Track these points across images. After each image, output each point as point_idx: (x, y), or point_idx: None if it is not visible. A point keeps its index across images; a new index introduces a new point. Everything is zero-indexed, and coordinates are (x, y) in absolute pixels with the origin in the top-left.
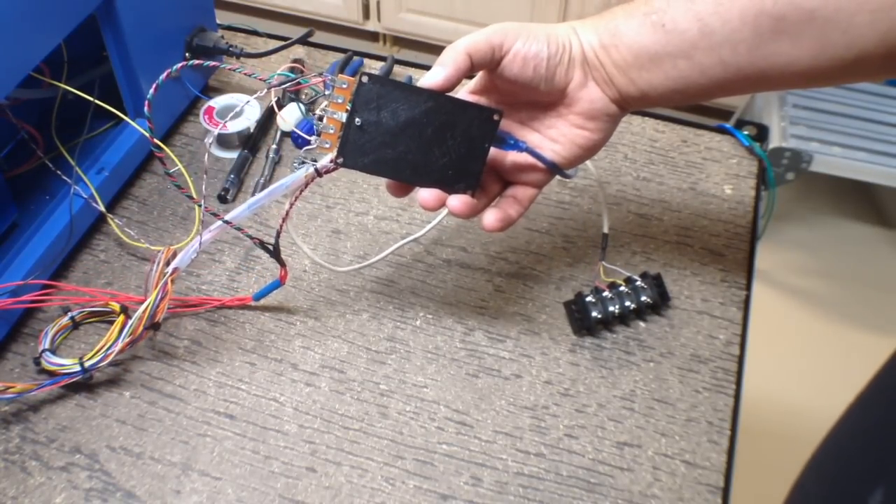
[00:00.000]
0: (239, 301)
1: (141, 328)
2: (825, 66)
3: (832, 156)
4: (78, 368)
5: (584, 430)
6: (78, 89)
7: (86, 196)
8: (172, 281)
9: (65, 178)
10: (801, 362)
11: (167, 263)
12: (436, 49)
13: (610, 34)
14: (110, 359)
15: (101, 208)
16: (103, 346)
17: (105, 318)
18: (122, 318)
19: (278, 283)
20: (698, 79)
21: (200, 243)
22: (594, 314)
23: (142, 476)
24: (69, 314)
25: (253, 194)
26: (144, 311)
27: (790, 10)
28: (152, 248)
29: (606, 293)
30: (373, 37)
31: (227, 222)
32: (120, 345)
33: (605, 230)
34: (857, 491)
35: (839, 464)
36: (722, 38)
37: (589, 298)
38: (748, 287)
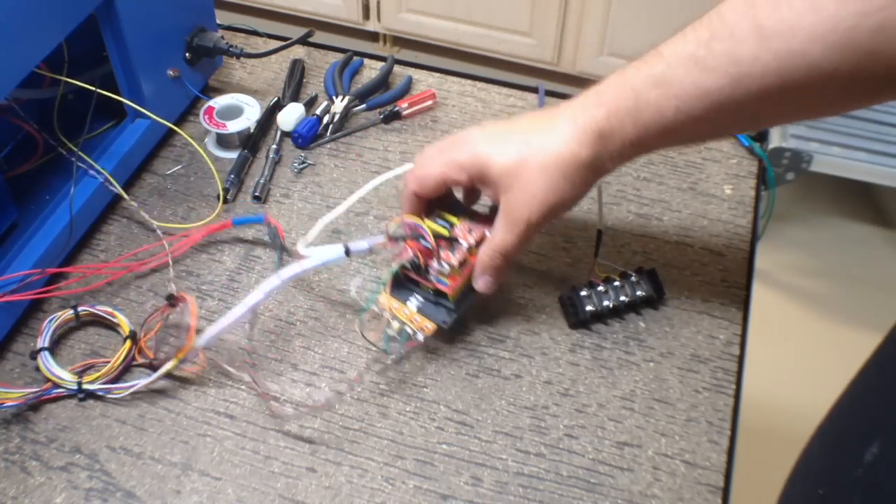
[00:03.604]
0: (219, 227)
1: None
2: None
3: (832, 156)
4: (74, 387)
5: (584, 430)
6: (77, 89)
7: (98, 183)
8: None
9: (73, 171)
10: (801, 362)
11: (175, 325)
12: (436, 49)
13: (633, 146)
14: (109, 387)
15: (119, 191)
16: (106, 372)
17: (107, 322)
18: (128, 343)
19: (262, 218)
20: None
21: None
22: (588, 307)
23: (142, 476)
24: (73, 309)
25: (254, 192)
26: (150, 364)
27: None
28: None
29: (601, 287)
30: (373, 37)
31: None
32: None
33: (600, 227)
34: (854, 447)
35: (839, 426)
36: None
37: (583, 292)
38: (748, 287)
